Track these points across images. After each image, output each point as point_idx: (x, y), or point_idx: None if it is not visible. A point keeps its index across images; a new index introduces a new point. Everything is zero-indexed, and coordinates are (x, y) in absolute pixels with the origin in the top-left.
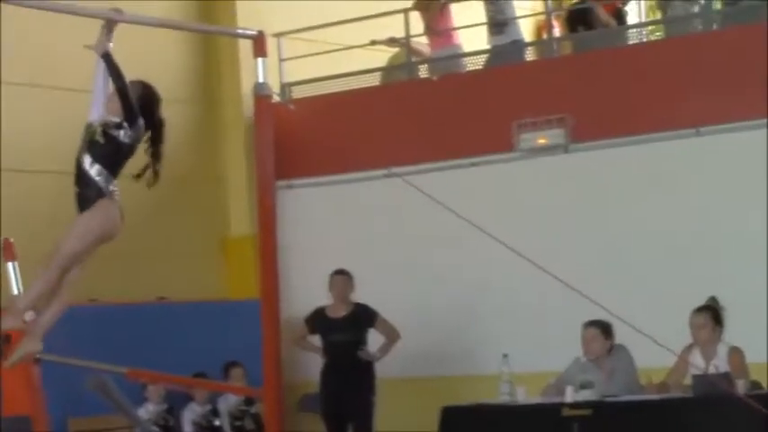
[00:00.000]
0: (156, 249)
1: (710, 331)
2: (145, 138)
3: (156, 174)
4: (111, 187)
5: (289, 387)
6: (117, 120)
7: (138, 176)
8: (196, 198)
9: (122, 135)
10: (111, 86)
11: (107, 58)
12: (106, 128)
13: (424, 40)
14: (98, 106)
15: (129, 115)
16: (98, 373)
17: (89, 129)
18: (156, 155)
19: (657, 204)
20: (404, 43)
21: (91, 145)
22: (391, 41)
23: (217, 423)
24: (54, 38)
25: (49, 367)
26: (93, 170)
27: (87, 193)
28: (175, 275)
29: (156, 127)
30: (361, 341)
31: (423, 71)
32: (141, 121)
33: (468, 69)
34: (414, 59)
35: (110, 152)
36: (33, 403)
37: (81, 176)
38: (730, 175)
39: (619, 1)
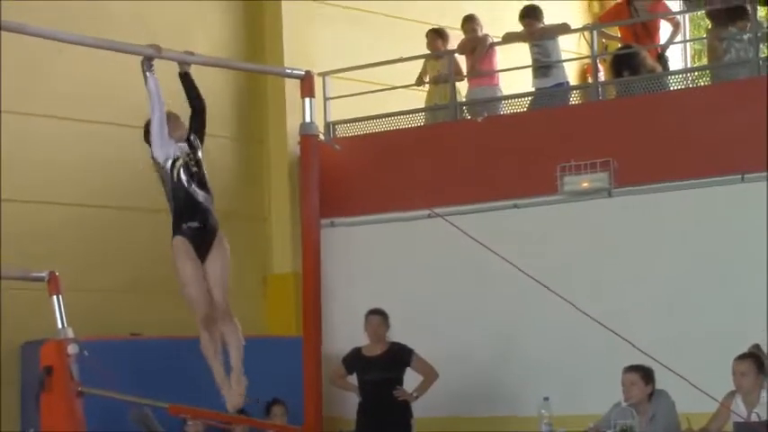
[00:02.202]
0: None
1: (753, 379)
2: None
3: None
4: None
5: (327, 424)
6: (187, 143)
7: None
8: (240, 235)
9: (200, 153)
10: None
11: (187, 77)
12: (194, 156)
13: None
14: (164, 138)
15: (203, 132)
16: (140, 407)
17: (173, 163)
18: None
19: (701, 249)
20: (442, 79)
21: (192, 177)
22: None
23: None
24: (98, 72)
25: (91, 400)
26: (204, 199)
27: (212, 223)
28: None
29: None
30: (397, 380)
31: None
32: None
33: (511, 111)
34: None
35: (203, 176)
36: None
37: (199, 209)
38: None
39: (660, 47)
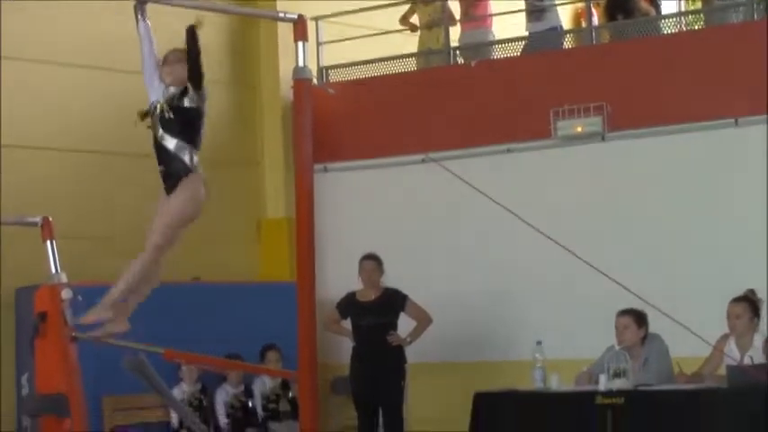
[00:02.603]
0: (191, 230)
1: (748, 322)
2: None
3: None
4: (196, 160)
5: (321, 370)
6: (178, 90)
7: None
8: (232, 180)
9: (187, 101)
10: (155, 59)
11: (192, 30)
12: (171, 102)
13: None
14: (154, 84)
15: (199, 81)
16: (134, 353)
17: (155, 109)
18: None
19: (695, 194)
20: (435, 24)
21: (164, 123)
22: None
23: (250, 404)
24: (90, 18)
25: (85, 345)
26: (174, 146)
27: (173, 169)
28: (211, 257)
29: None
30: (390, 325)
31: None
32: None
33: (504, 56)
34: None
35: (183, 123)
36: (69, 381)
37: (163, 154)
38: None
39: None
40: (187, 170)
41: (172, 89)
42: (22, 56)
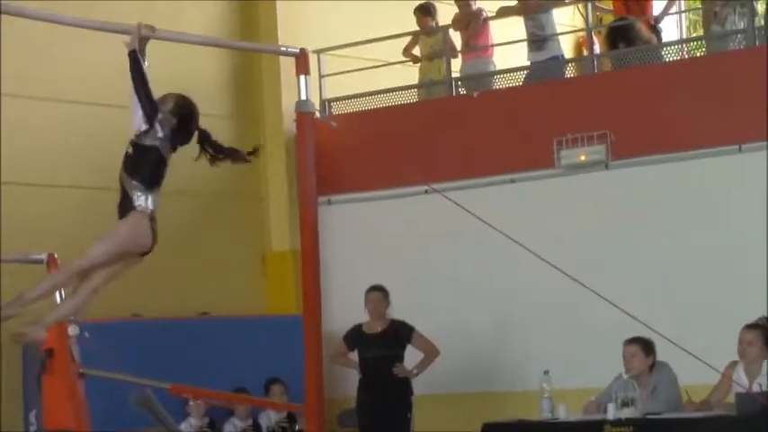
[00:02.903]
0: (197, 265)
1: (759, 349)
2: (205, 155)
3: (240, 158)
4: (147, 202)
5: (327, 403)
6: (146, 127)
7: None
8: (237, 214)
9: (149, 140)
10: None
11: (133, 55)
12: (137, 139)
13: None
14: (135, 118)
15: (147, 113)
16: (141, 388)
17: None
18: (222, 157)
19: (699, 221)
20: (436, 55)
21: (125, 159)
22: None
23: None
24: (83, 52)
25: (93, 381)
26: (129, 184)
27: (123, 206)
28: (218, 291)
29: (201, 139)
30: (397, 357)
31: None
32: (161, 117)
33: (506, 86)
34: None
35: (139, 161)
36: (76, 417)
37: (122, 191)
38: None
39: (653, 18)
40: (133, 207)
41: (143, 126)
42: (21, 93)
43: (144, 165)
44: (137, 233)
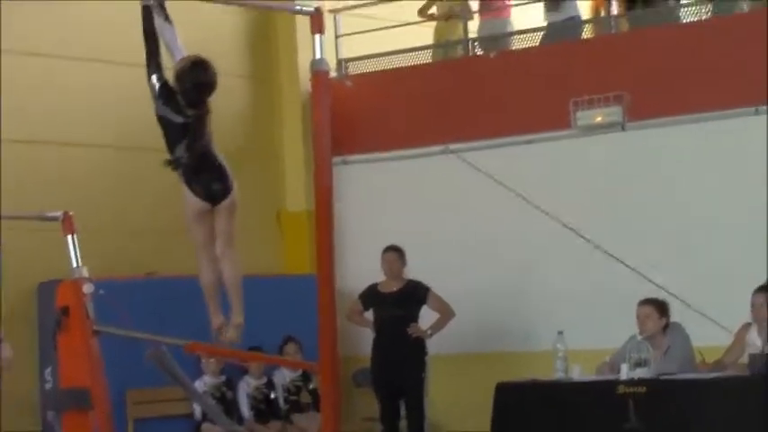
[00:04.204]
0: None
1: None
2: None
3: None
4: (177, 164)
5: (342, 361)
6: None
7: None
8: (253, 173)
9: (158, 108)
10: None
11: (145, 9)
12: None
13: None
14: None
15: (147, 71)
16: (156, 346)
17: None
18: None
19: (715, 182)
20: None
21: None
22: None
23: (272, 396)
24: (112, 13)
25: (107, 339)
26: None
27: None
28: None
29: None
30: (412, 317)
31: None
32: (156, 83)
33: (523, 46)
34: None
35: (162, 131)
36: (92, 375)
37: None
38: None
39: None
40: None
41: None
42: (50, 52)
43: (163, 134)
44: (186, 202)
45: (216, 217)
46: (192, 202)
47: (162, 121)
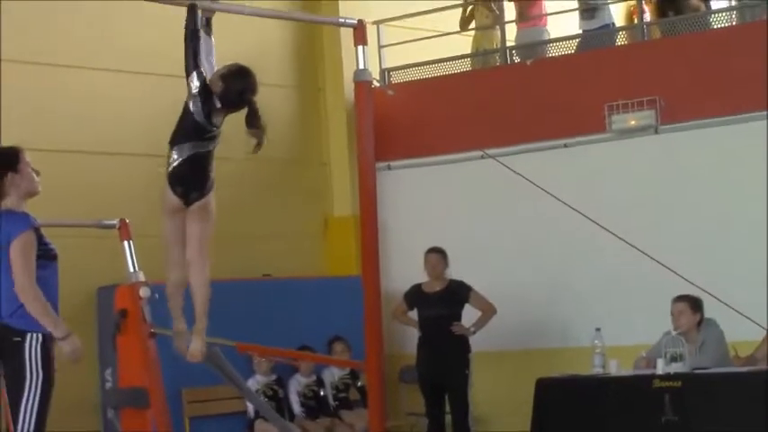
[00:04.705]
0: (262, 229)
1: None
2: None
3: (257, 149)
4: (171, 161)
5: (389, 359)
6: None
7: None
8: (301, 180)
9: (192, 105)
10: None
11: (191, 9)
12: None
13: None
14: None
15: (186, 69)
16: (210, 347)
17: None
18: (253, 128)
19: (747, 183)
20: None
21: None
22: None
23: (321, 393)
24: (144, 26)
25: (164, 341)
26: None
27: None
28: (282, 253)
29: (248, 112)
30: (455, 316)
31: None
32: (196, 80)
33: (559, 54)
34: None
35: (179, 121)
36: (149, 375)
37: None
38: None
39: None
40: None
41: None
42: (96, 65)
43: (180, 124)
44: (162, 196)
45: (188, 219)
46: (168, 196)
47: (187, 113)
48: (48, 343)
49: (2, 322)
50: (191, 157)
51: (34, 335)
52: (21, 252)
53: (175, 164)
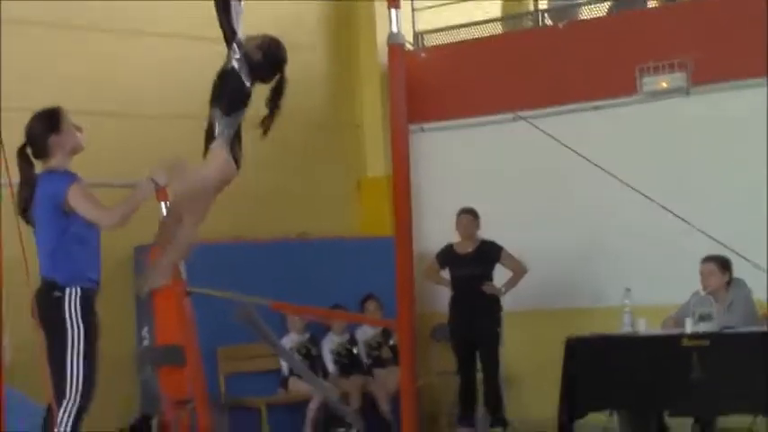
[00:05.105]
0: (297, 190)
1: None
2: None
3: (266, 127)
4: (226, 129)
5: (421, 318)
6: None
7: (262, 124)
8: (335, 142)
9: (228, 64)
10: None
11: None
12: (221, 69)
13: None
14: None
15: (226, 36)
16: (244, 305)
17: None
18: (272, 107)
19: None
20: None
21: (211, 89)
22: None
23: (354, 351)
24: None
25: (199, 300)
26: (211, 113)
27: (209, 133)
28: (316, 214)
29: (277, 82)
30: (486, 275)
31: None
32: (242, 44)
33: (590, 17)
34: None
35: (219, 88)
36: (185, 333)
37: (209, 118)
38: None
39: None
40: (212, 138)
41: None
42: (130, 28)
43: (222, 91)
44: (221, 170)
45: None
46: (231, 169)
47: (237, 81)
48: (87, 295)
49: (44, 277)
50: (238, 127)
51: (73, 289)
52: (82, 196)
53: (232, 133)
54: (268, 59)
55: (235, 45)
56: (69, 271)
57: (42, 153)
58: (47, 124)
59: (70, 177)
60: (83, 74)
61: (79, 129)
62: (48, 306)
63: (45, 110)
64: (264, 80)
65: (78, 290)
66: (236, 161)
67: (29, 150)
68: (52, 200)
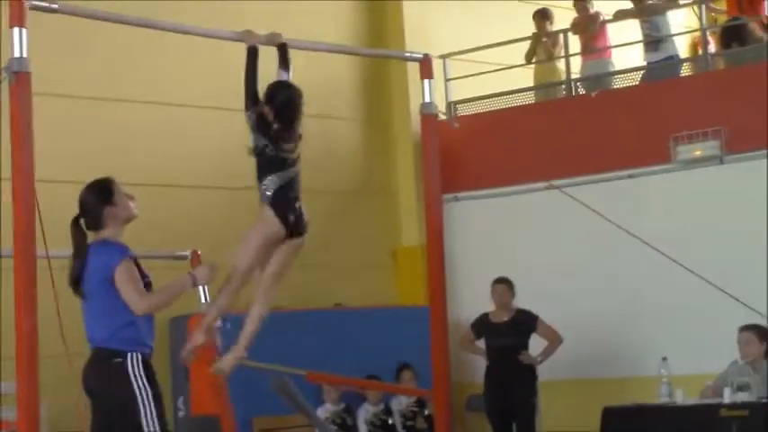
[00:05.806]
0: (333, 259)
1: None
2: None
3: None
4: (266, 191)
5: (456, 388)
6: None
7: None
8: (370, 211)
9: (256, 139)
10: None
11: (250, 50)
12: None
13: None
14: None
15: (246, 105)
16: (280, 375)
17: None
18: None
19: None
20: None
21: None
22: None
23: (389, 421)
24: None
25: (235, 370)
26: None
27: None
28: (351, 283)
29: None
30: (522, 345)
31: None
32: (260, 110)
33: (624, 86)
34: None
35: (257, 163)
36: (220, 403)
37: None
38: None
39: (766, 18)
40: (261, 200)
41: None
42: (169, 101)
43: (257, 163)
44: (262, 226)
45: (282, 250)
46: (273, 224)
47: (256, 151)
48: (147, 361)
49: (98, 348)
50: (283, 186)
51: (134, 354)
52: (127, 277)
53: (271, 193)
54: (277, 104)
55: (247, 115)
56: (128, 337)
57: (97, 224)
58: (100, 196)
59: (121, 253)
60: (112, 145)
61: (131, 197)
62: (107, 375)
63: (97, 181)
64: (292, 122)
65: (139, 356)
66: (285, 219)
67: (82, 221)
68: (103, 273)
